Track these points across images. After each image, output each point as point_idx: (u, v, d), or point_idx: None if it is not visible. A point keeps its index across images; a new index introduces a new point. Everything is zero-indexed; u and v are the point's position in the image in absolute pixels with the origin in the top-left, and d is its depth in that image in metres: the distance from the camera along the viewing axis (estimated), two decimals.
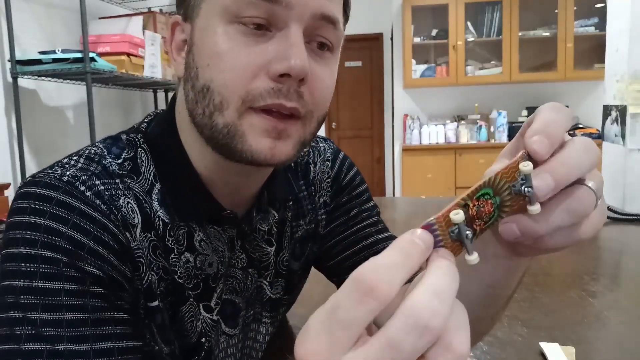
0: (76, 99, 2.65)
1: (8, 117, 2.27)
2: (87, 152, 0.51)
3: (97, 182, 0.48)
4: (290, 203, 0.64)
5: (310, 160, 0.67)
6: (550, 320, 0.70)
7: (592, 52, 4.17)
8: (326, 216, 0.67)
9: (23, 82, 2.32)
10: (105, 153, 0.51)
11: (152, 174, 0.52)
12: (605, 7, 2.30)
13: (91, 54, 2.23)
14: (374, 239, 0.66)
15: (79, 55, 2.22)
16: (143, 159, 0.53)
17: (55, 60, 2.23)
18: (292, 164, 0.65)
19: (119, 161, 0.51)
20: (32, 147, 2.37)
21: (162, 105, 3.44)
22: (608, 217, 1.33)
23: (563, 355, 0.58)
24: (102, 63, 2.30)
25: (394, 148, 4.86)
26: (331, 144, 0.71)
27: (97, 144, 0.53)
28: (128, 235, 0.48)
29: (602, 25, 3.91)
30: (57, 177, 0.47)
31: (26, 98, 2.34)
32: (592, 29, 4.25)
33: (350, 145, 5.86)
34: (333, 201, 0.68)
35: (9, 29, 2.19)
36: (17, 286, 0.43)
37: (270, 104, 0.46)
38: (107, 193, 0.48)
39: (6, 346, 0.42)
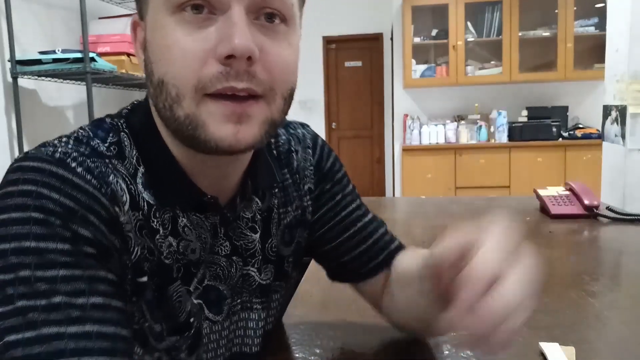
0: (76, 99, 2.65)
1: (8, 117, 2.27)
2: (74, 134, 0.52)
3: (88, 160, 0.48)
4: (276, 190, 0.64)
5: (293, 149, 0.68)
6: (550, 320, 0.70)
7: (592, 52, 4.18)
8: (312, 202, 0.68)
9: (23, 82, 2.32)
10: (92, 135, 0.52)
11: (135, 157, 0.53)
12: (605, 7, 2.30)
13: (91, 54, 2.23)
14: (362, 223, 0.69)
15: (79, 55, 2.22)
16: (126, 143, 0.53)
17: (55, 60, 2.23)
18: (275, 152, 0.66)
19: (106, 144, 0.52)
20: (32, 147, 2.37)
21: None
22: (608, 217, 1.33)
23: (563, 355, 0.58)
24: (102, 63, 2.30)
25: (394, 148, 4.87)
26: (309, 129, 0.72)
27: (83, 127, 0.54)
28: (117, 209, 0.49)
29: (602, 25, 3.91)
30: (49, 153, 0.47)
31: (26, 98, 2.34)
32: (592, 29, 4.25)
33: (350, 145, 5.86)
34: (317, 188, 0.69)
35: (9, 29, 2.19)
36: (8, 249, 0.43)
37: (220, 88, 0.46)
38: (97, 170, 0.48)
39: None
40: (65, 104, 2.62)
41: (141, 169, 0.53)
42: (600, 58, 2.53)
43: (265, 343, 0.65)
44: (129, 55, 2.49)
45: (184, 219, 0.55)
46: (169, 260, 0.53)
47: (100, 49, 2.43)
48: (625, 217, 1.33)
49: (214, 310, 0.59)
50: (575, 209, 1.36)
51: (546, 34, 4.34)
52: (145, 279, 0.51)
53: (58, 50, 2.24)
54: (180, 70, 0.47)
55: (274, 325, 0.67)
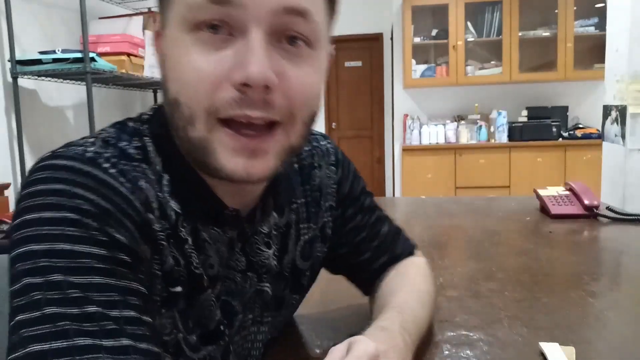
0: (76, 99, 2.65)
1: (8, 117, 2.27)
2: (101, 136, 0.49)
3: (120, 162, 0.46)
4: (295, 206, 0.63)
5: (315, 164, 0.67)
6: (550, 320, 0.70)
7: (592, 52, 4.17)
8: (332, 219, 0.68)
9: (23, 82, 2.32)
10: (119, 138, 0.50)
11: (159, 164, 0.51)
12: (605, 7, 2.30)
13: (91, 54, 2.23)
14: (384, 247, 0.72)
15: (79, 55, 2.22)
16: (150, 148, 0.51)
17: (55, 60, 2.23)
18: (296, 166, 0.65)
19: (132, 148, 0.50)
20: (32, 147, 2.37)
21: None
22: (608, 217, 1.33)
23: (563, 355, 0.58)
24: (102, 63, 2.30)
25: (394, 148, 4.86)
26: (332, 143, 0.71)
27: (106, 129, 0.51)
28: (150, 215, 0.47)
29: (602, 25, 3.91)
30: (80, 152, 0.45)
31: (26, 98, 2.34)
32: (592, 29, 4.25)
33: (350, 145, 5.86)
34: (339, 207, 0.69)
35: (9, 29, 2.19)
36: (38, 250, 0.40)
37: (233, 115, 0.44)
38: (129, 173, 0.46)
39: (20, 317, 0.38)
40: (65, 104, 2.62)
41: (166, 177, 0.50)
42: (600, 58, 2.53)
43: (265, 346, 0.65)
44: (129, 55, 2.49)
45: (203, 233, 0.53)
46: (198, 270, 0.52)
47: (100, 49, 2.43)
48: (625, 217, 1.33)
49: (226, 326, 0.58)
50: (575, 209, 1.36)
51: (546, 34, 4.34)
52: (179, 288, 0.50)
53: (58, 50, 2.24)
54: (194, 92, 0.45)
55: (279, 332, 0.67)
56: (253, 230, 0.58)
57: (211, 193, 0.52)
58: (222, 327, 0.55)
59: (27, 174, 0.45)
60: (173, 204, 0.50)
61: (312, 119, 0.50)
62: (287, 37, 0.46)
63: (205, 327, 0.54)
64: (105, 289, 0.40)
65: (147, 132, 0.52)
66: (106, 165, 0.45)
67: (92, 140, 0.48)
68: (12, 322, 0.39)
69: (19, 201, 0.43)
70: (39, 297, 0.39)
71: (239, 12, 0.43)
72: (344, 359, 0.44)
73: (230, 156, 0.46)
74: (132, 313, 0.41)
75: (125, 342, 0.39)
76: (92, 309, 0.39)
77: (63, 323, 0.38)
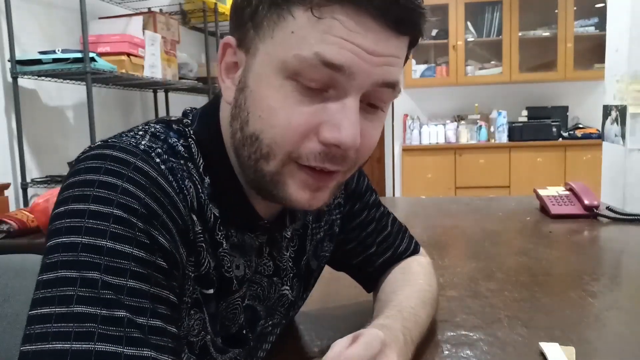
0: (76, 99, 2.65)
1: (8, 117, 2.27)
2: (150, 129, 0.49)
3: (171, 159, 0.47)
4: None
5: None
6: (550, 320, 0.70)
7: (592, 52, 4.17)
8: (340, 216, 0.69)
9: (23, 82, 2.32)
10: (168, 133, 0.50)
11: (202, 167, 0.51)
12: (605, 7, 2.30)
13: (91, 54, 2.23)
14: (383, 234, 0.73)
15: (79, 55, 2.22)
16: (194, 150, 0.51)
17: (55, 60, 2.23)
18: None
19: (180, 145, 0.50)
20: (32, 147, 2.36)
21: (162, 106, 3.44)
22: (608, 217, 1.33)
23: (563, 355, 0.58)
24: (102, 63, 2.30)
25: (394, 148, 4.86)
26: None
27: (151, 124, 0.51)
28: (193, 217, 0.47)
29: (602, 25, 3.91)
30: (133, 144, 0.45)
31: (26, 98, 2.34)
32: (592, 29, 4.25)
33: None
34: (347, 204, 0.70)
35: (9, 29, 2.19)
36: (80, 243, 0.39)
37: (314, 165, 0.46)
38: (178, 172, 0.47)
39: (46, 309, 0.38)
40: (65, 104, 2.62)
41: (207, 180, 0.51)
42: (600, 58, 2.53)
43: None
44: (129, 55, 2.49)
45: (236, 238, 0.53)
46: (229, 273, 0.52)
47: (100, 49, 2.43)
48: (625, 217, 1.33)
49: (248, 330, 0.58)
50: (575, 209, 1.36)
51: (546, 34, 4.34)
52: (212, 291, 0.50)
53: (58, 50, 2.24)
54: (279, 137, 0.45)
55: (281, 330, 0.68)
56: (281, 235, 0.59)
57: (249, 204, 0.53)
58: (244, 332, 0.56)
59: (75, 161, 0.45)
60: (212, 207, 0.50)
61: (364, 164, 0.53)
62: (372, 103, 0.48)
63: (228, 330, 0.54)
64: (138, 294, 0.40)
65: (190, 134, 0.52)
66: (158, 160, 0.45)
67: (141, 132, 0.48)
68: (36, 313, 0.39)
69: (64, 188, 0.43)
70: (70, 293, 0.38)
71: (346, 80, 0.44)
72: (350, 347, 0.45)
73: (299, 189, 0.48)
74: (159, 323, 0.41)
75: (146, 352, 0.39)
76: (121, 313, 0.38)
77: (89, 324, 0.38)
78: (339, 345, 0.46)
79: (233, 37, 0.49)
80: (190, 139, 0.51)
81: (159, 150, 0.46)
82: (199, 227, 0.48)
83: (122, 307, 0.39)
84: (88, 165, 0.43)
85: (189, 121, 0.54)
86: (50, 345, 0.37)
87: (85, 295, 0.38)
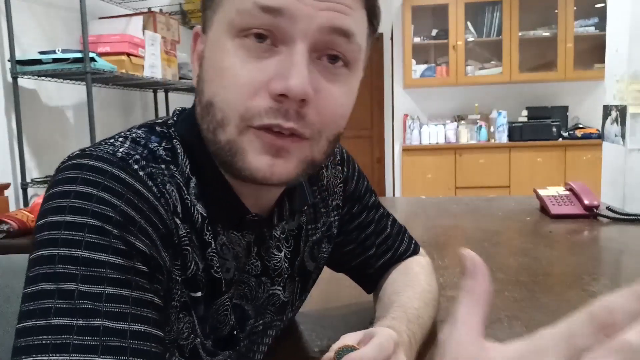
0: (76, 99, 2.65)
1: (8, 117, 2.27)
2: (130, 135, 0.49)
3: (150, 165, 0.47)
4: (305, 208, 0.64)
5: (322, 164, 0.67)
6: (550, 320, 0.70)
7: (592, 52, 4.17)
8: (339, 218, 0.69)
9: (23, 82, 2.32)
10: (149, 138, 0.50)
11: (187, 167, 0.51)
12: (605, 7, 2.30)
13: (91, 54, 2.23)
14: (387, 245, 0.73)
15: (79, 55, 2.22)
16: (179, 151, 0.51)
17: (55, 60, 2.23)
18: None
19: (162, 150, 0.50)
20: (32, 147, 2.36)
21: (162, 106, 3.44)
22: (608, 217, 1.33)
23: None
24: (102, 63, 2.30)
25: (394, 148, 4.87)
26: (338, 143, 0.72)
27: (134, 129, 0.51)
28: (176, 220, 0.47)
29: (602, 25, 3.91)
30: (110, 152, 0.45)
31: (26, 98, 2.34)
32: (592, 29, 4.25)
33: (350, 145, 5.80)
34: (345, 205, 0.70)
35: (9, 29, 2.19)
36: (56, 255, 0.40)
37: (267, 124, 0.45)
38: (158, 177, 0.46)
39: (28, 322, 0.39)
40: (65, 104, 2.62)
41: (193, 180, 0.50)
42: (600, 58, 2.53)
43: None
44: (129, 55, 2.49)
45: (223, 237, 0.53)
46: (218, 274, 0.52)
47: (100, 49, 2.43)
48: (625, 217, 1.33)
49: (237, 329, 0.58)
50: (575, 209, 1.36)
51: (546, 34, 4.34)
52: (199, 293, 0.50)
53: (58, 50, 2.24)
54: (230, 97, 0.45)
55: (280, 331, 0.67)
56: (269, 234, 0.59)
57: (236, 197, 0.53)
58: (235, 332, 0.55)
59: (55, 171, 0.45)
60: (199, 207, 0.50)
61: (336, 138, 0.51)
62: (328, 55, 0.47)
63: (219, 332, 0.54)
64: (117, 300, 0.40)
65: (175, 135, 0.52)
66: (135, 166, 0.45)
67: (121, 139, 0.48)
68: (20, 326, 0.40)
69: (45, 200, 0.43)
70: (49, 305, 0.39)
71: (288, 24, 0.44)
72: (364, 349, 0.46)
73: (258, 154, 0.46)
74: (141, 327, 0.41)
75: (123, 359, 0.39)
76: (98, 322, 0.39)
77: (66, 336, 0.38)
78: (349, 338, 0.47)
79: (199, 25, 0.52)
80: (175, 140, 0.51)
81: (137, 156, 0.46)
82: (184, 230, 0.48)
83: (100, 315, 0.39)
84: (65, 176, 0.43)
85: (173, 121, 0.54)
86: (31, 359, 0.38)
87: (62, 307, 0.39)
